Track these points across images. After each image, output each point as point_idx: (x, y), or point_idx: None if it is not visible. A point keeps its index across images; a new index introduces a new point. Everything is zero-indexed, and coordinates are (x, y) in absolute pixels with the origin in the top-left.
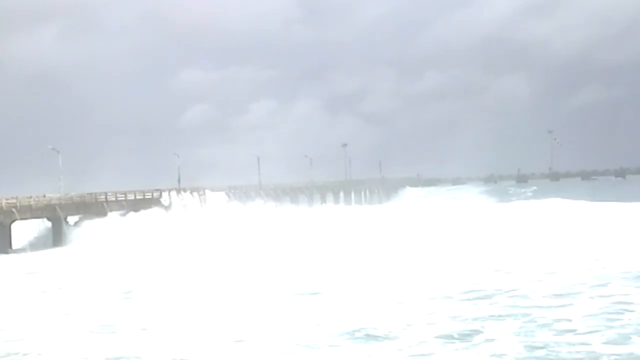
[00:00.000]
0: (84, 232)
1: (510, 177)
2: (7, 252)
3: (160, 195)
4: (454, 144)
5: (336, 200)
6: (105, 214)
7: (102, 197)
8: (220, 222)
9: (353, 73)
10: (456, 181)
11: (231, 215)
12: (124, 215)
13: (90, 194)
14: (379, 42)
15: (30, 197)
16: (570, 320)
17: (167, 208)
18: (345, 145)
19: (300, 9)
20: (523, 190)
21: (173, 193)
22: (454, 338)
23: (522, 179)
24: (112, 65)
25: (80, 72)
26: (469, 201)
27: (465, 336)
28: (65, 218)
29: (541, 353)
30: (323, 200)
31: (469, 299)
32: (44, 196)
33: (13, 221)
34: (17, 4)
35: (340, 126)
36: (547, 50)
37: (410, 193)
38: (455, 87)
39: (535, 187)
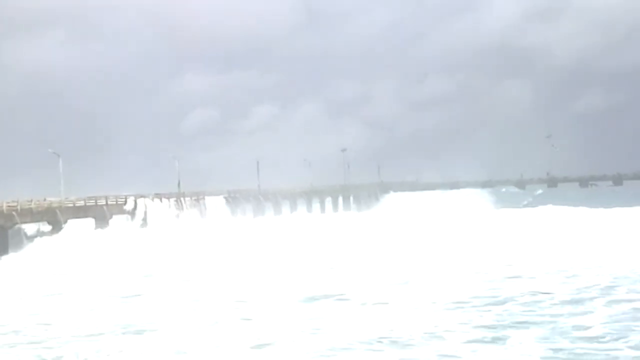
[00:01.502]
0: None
1: (509, 182)
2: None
3: (127, 202)
4: (455, 149)
5: (335, 205)
6: (105, 218)
7: (103, 201)
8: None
9: (355, 78)
10: (454, 186)
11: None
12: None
13: (91, 197)
14: (382, 48)
15: (31, 200)
16: (592, 326)
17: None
18: (344, 150)
19: (303, 15)
20: (530, 194)
21: (146, 200)
22: (479, 345)
23: (520, 185)
24: (114, 69)
25: (82, 77)
26: (465, 206)
27: (490, 342)
28: (66, 221)
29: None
30: (322, 205)
31: (486, 304)
32: (45, 200)
33: (14, 225)
34: (20, 10)
35: (342, 131)
36: (549, 57)
37: (392, 198)
38: (457, 93)
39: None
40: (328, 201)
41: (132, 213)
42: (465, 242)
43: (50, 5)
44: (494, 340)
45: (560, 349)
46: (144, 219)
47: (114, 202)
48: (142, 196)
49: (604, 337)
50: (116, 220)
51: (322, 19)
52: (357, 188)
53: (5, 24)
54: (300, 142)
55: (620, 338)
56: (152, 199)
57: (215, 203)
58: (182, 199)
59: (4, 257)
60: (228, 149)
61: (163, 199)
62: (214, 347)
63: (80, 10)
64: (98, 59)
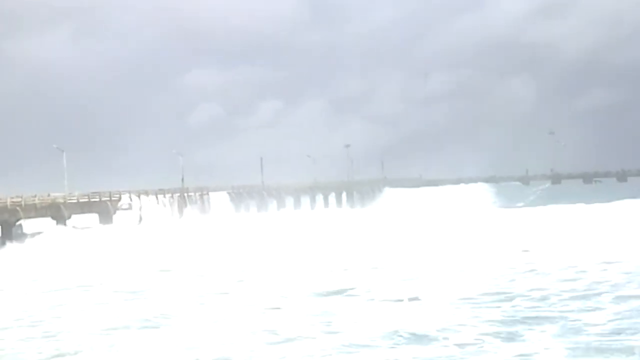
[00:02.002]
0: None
1: (512, 178)
2: None
3: (131, 197)
4: (459, 145)
5: (338, 200)
6: (109, 214)
7: (107, 196)
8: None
9: (359, 75)
10: (457, 182)
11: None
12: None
13: (95, 193)
14: (386, 44)
15: (35, 196)
16: (604, 322)
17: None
18: (348, 146)
19: (308, 12)
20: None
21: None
22: (495, 339)
23: (524, 181)
24: (119, 65)
25: (86, 73)
26: (470, 202)
27: (505, 337)
28: (70, 217)
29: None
30: (326, 200)
31: (496, 300)
32: (49, 195)
33: (17, 220)
34: (27, 7)
35: (346, 127)
36: (554, 53)
37: (395, 194)
38: (461, 90)
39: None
40: (332, 197)
41: (136, 209)
42: (471, 238)
43: (56, 1)
44: (509, 334)
45: (574, 343)
46: (148, 215)
47: (118, 198)
48: (146, 192)
49: (618, 333)
50: (120, 216)
51: (326, 16)
52: (361, 184)
53: (11, 20)
54: (304, 138)
55: (635, 333)
56: (156, 195)
57: (219, 199)
58: (185, 194)
59: (10, 252)
60: (232, 144)
61: (167, 195)
62: (227, 342)
63: (86, 8)
64: (102, 55)
